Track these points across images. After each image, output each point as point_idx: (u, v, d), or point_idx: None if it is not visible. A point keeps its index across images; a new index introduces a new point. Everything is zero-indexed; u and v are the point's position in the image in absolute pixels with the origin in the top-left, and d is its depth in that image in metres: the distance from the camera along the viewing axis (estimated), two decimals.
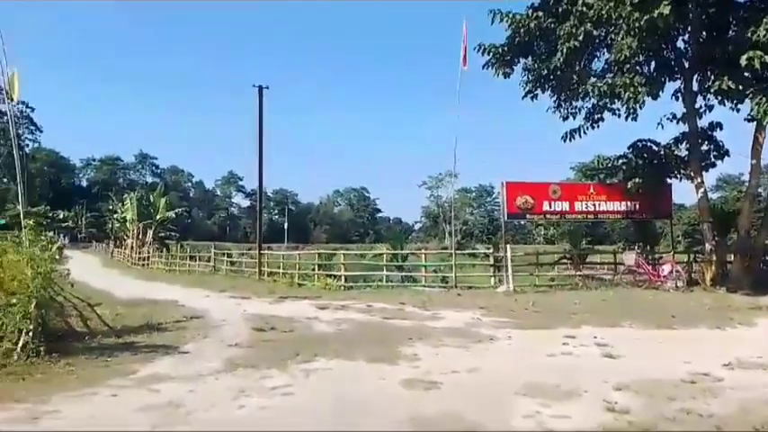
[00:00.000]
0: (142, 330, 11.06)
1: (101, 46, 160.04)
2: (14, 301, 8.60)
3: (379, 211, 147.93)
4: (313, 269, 23.37)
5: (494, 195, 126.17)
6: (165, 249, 43.79)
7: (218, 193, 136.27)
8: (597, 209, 20.57)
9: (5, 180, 79.20)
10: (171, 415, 5.92)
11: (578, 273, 20.79)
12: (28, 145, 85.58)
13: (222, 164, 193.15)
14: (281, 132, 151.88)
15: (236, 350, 9.33)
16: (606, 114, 19.08)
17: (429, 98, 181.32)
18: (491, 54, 19.04)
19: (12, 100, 13.34)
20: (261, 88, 27.18)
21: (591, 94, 17.57)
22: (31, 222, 9.52)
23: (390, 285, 20.13)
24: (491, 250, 20.52)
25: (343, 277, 20.88)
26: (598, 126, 19.47)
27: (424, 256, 22.18)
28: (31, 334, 8.43)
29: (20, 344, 8.29)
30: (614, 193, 20.69)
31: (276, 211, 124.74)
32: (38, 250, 9.12)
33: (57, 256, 9.73)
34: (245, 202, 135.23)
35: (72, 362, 8.22)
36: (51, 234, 10.93)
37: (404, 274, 21.77)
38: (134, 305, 15.14)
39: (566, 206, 20.27)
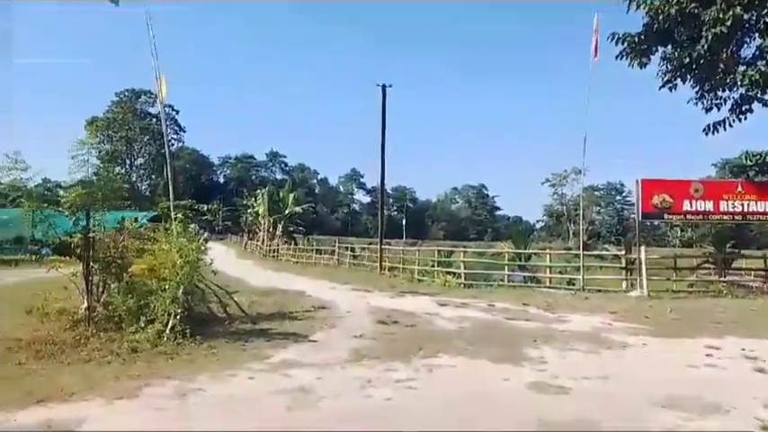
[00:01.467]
0: (274, 318, 11.75)
1: (233, 50, 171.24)
2: (165, 286, 9.48)
3: (497, 208, 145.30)
4: (432, 266, 23.44)
5: (624, 194, 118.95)
6: (292, 242, 46.12)
7: (341, 189, 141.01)
8: (746, 209, 18.66)
9: (154, 176, 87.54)
10: (302, 400, 6.22)
11: (722, 279, 19.01)
12: (173, 144, 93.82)
13: (345, 161, 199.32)
14: (401, 129, 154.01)
15: (361, 341, 9.61)
16: (755, 106, 17.23)
17: (553, 92, 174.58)
18: (626, 43, 17.90)
19: (161, 103, 14.72)
20: (384, 87, 27.73)
21: (739, 83, 15.97)
22: (180, 215, 10.45)
23: (512, 285, 19.68)
24: (623, 252, 19.28)
25: (462, 275, 20.73)
26: (745, 118, 17.65)
27: (548, 256, 21.42)
28: (178, 317, 9.24)
29: (169, 325, 9.11)
30: (766, 192, 18.66)
31: (395, 208, 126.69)
32: (185, 241, 9.98)
33: (202, 247, 10.60)
34: (366, 199, 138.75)
35: (213, 345, 8.91)
36: (195, 226, 11.94)
37: (526, 274, 21.17)
38: (266, 294, 16.09)
39: (709, 206, 18.60)
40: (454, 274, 21.35)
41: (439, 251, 24.88)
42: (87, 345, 8.57)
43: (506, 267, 20.92)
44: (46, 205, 9.64)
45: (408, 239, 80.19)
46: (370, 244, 41.92)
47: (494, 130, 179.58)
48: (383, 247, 27.57)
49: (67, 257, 10.55)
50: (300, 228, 56.52)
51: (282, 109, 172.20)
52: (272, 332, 10.23)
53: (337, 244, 35.06)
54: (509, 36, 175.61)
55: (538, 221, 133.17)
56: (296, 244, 44.95)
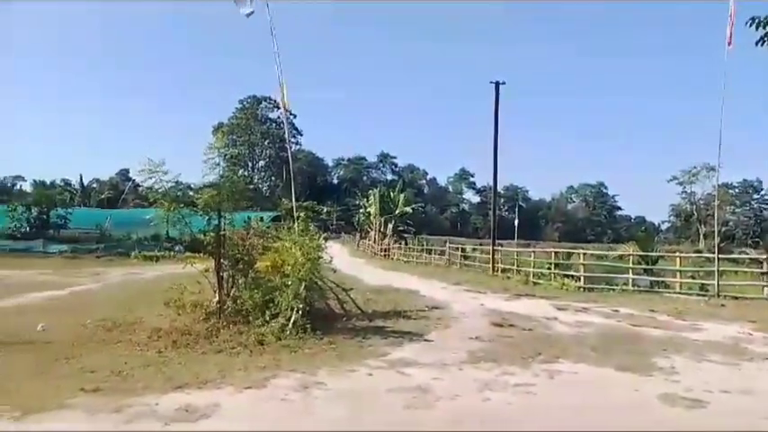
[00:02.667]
0: (389, 316, 11.93)
1: (344, 53, 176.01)
2: (288, 282, 9.94)
3: (618, 208, 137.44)
4: (548, 268, 22.64)
5: (762, 192, 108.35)
6: (402, 242, 46.64)
7: (450, 189, 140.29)
8: None
9: (273, 178, 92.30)
10: (420, 399, 6.26)
11: None
12: (291, 147, 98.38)
13: (455, 161, 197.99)
14: (513, 125, 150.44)
15: (477, 343, 9.49)
16: None
17: (682, 81, 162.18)
18: None
19: (285, 108, 15.43)
20: (497, 84, 27.23)
21: None
22: (302, 215, 10.92)
23: (636, 290, 18.53)
24: (763, 255, 17.49)
25: (582, 278, 19.84)
26: None
27: (678, 259, 19.92)
28: (300, 312, 9.65)
29: (291, 320, 9.54)
30: None
31: (506, 208, 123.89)
32: (307, 239, 10.41)
33: (322, 245, 11.01)
34: (476, 199, 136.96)
35: (333, 340, 9.20)
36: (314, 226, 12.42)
37: (653, 278, 19.84)
38: (380, 292, 16.38)
39: None
40: (572, 276, 20.49)
41: (556, 253, 23.97)
42: (218, 336, 9.19)
43: (631, 271, 19.73)
44: (182, 206, 10.44)
45: (521, 240, 78.18)
46: (481, 244, 41.37)
47: (613, 124, 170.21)
48: (495, 248, 27.08)
49: (198, 254, 11.39)
50: (410, 227, 56.98)
51: (392, 110, 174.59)
52: (387, 330, 10.39)
53: (448, 244, 34.94)
54: (628, 20, 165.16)
55: (663, 222, 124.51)
56: (406, 243, 45.41)
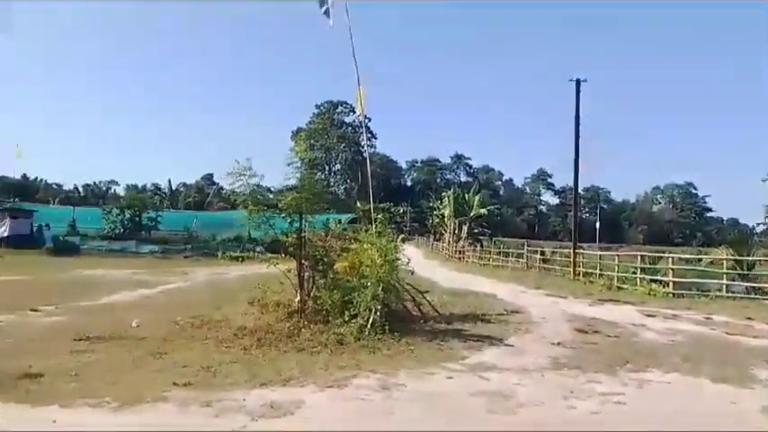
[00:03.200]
0: (467, 319, 11.80)
1: (419, 56, 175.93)
2: (366, 283, 10.04)
3: (708, 209, 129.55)
4: (634, 272, 21.64)
5: None
6: (478, 244, 46.05)
7: (527, 190, 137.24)
8: None
9: (349, 181, 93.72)
10: (502, 404, 6.14)
11: None
12: (367, 150, 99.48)
13: (532, 161, 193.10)
14: (594, 124, 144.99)
15: (560, 349, 9.21)
16: None
17: None
18: None
19: (362, 113, 15.63)
20: (578, 82, 26.35)
21: None
22: (380, 217, 11.01)
23: (731, 296, 17.39)
24: None
25: (670, 283, 18.83)
26: None
27: None
28: (378, 313, 9.72)
29: (370, 321, 9.62)
30: None
31: (587, 209, 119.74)
32: (384, 241, 10.48)
33: (399, 248, 11.05)
34: (554, 200, 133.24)
35: (411, 342, 9.20)
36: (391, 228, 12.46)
37: (749, 284, 18.55)
38: (456, 295, 16.24)
39: None
40: (660, 282, 19.49)
41: (642, 256, 22.86)
42: (300, 335, 9.41)
43: (725, 276, 18.53)
44: (265, 208, 10.79)
45: (602, 243, 75.38)
46: (559, 247, 40.15)
47: (702, 121, 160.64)
48: (577, 251, 26.20)
49: (279, 255, 11.72)
50: (485, 230, 56.17)
51: (467, 111, 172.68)
52: (466, 333, 10.28)
53: (526, 247, 34.16)
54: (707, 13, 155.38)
55: (758, 224, 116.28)
56: (481, 246, 44.76)
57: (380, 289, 9.93)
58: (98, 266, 25.25)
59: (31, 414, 5.52)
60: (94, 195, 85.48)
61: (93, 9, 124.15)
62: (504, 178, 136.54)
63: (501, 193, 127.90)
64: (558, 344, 9.63)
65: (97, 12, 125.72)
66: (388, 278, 10.33)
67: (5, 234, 34.00)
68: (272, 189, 12.42)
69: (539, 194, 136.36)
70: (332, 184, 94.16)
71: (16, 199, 49.83)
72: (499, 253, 37.38)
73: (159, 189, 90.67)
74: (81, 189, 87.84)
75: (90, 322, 10.70)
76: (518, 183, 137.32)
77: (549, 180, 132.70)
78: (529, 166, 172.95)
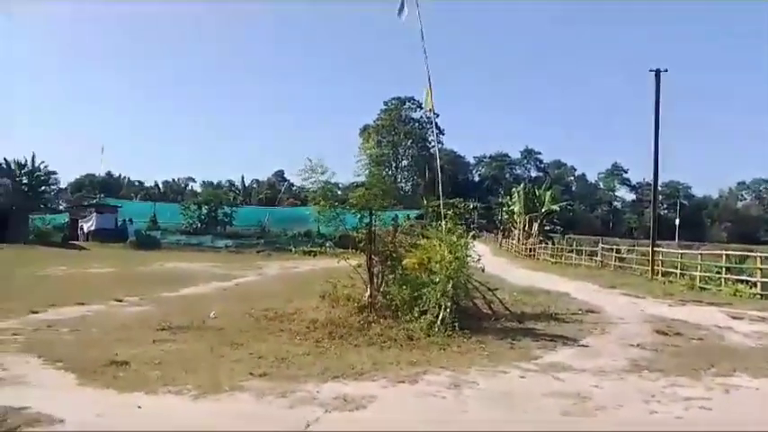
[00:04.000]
0: (540, 318, 11.55)
1: (485, 48, 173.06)
2: (436, 279, 10.01)
3: None
4: (718, 272, 20.48)
5: None
6: (549, 241, 44.95)
7: (601, 185, 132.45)
8: None
9: (416, 177, 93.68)
10: (579, 406, 5.95)
11: None
12: (433, 146, 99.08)
13: (606, 156, 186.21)
14: (674, 115, 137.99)
15: (639, 351, 8.84)
16: None
17: None
18: None
19: (431, 110, 15.58)
20: (658, 72, 25.14)
21: None
22: (449, 213, 10.94)
23: None
24: None
25: (758, 284, 17.70)
26: None
27: None
28: (448, 310, 9.66)
29: (440, 317, 9.58)
30: None
31: (665, 206, 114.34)
32: (454, 237, 10.40)
33: (469, 244, 10.94)
34: (629, 196, 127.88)
35: (481, 340, 9.10)
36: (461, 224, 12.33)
37: None
38: (527, 293, 15.92)
39: None
40: (747, 282, 18.36)
41: (727, 255, 21.59)
42: (370, 329, 9.48)
43: None
44: (336, 204, 10.97)
45: (682, 241, 71.78)
46: (636, 245, 38.55)
47: None
48: (655, 249, 25.06)
49: (348, 250, 11.86)
50: (557, 227, 54.76)
51: (537, 104, 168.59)
52: (538, 332, 10.06)
53: (600, 244, 33.01)
54: None
55: None
56: (553, 243, 43.63)
57: (450, 286, 9.86)
58: (177, 259, 26.48)
59: (118, 400, 5.82)
60: (173, 191, 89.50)
61: (167, 8, 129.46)
62: (576, 173, 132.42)
63: (573, 188, 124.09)
64: (637, 345, 9.24)
65: (171, 10, 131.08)
66: (458, 275, 10.24)
67: (92, 228, 36.30)
68: (339, 185, 12.57)
69: (613, 190, 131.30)
70: (399, 180, 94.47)
71: (102, 195, 53.04)
72: (572, 250, 36.31)
73: (233, 185, 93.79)
74: (161, 185, 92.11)
75: (171, 312, 11.23)
76: (591, 178, 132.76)
77: (625, 175, 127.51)
78: (603, 161, 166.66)
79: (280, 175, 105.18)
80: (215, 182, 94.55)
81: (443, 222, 11.16)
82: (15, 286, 15.21)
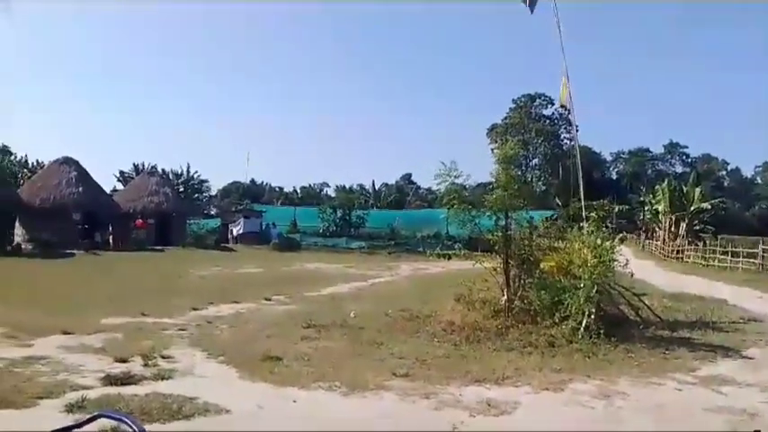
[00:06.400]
0: (694, 327, 10.66)
1: (619, 37, 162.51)
2: (578, 284, 9.60)
3: None
4: None
5: None
6: (699, 243, 41.27)
7: (759, 180, 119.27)
8: None
9: (547, 176, 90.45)
10: (747, 424, 5.43)
11: None
12: (565, 144, 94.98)
13: (762, 147, 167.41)
14: None
15: None
16: None
17: None
18: None
19: (567, 105, 15.00)
20: None
21: None
22: (593, 215, 10.45)
23: None
24: None
25: None
26: None
27: None
28: (592, 316, 9.23)
29: (583, 324, 9.17)
30: None
31: None
32: (599, 240, 9.91)
33: (616, 247, 10.37)
34: None
35: (630, 349, 8.59)
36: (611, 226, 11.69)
37: None
38: (678, 299, 14.75)
39: None
40: None
41: None
42: (508, 334, 9.33)
43: None
44: (470, 206, 10.90)
45: None
46: None
47: None
48: None
49: (479, 252, 11.73)
50: (708, 226, 50.08)
51: (680, 93, 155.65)
52: (694, 342, 9.30)
53: (761, 246, 29.69)
54: None
55: None
56: (704, 244, 39.99)
57: (594, 291, 9.41)
58: (316, 260, 27.82)
59: (276, 393, 6.26)
60: (310, 196, 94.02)
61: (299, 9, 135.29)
62: (728, 168, 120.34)
63: (725, 184, 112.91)
64: None
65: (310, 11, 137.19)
66: (603, 280, 9.75)
67: (240, 232, 39.23)
68: (467, 187, 12.48)
69: None
70: (530, 179, 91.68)
71: (248, 201, 57.36)
72: (726, 252, 33.06)
73: (364, 189, 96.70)
74: (299, 191, 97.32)
75: (315, 311, 11.84)
76: (746, 172, 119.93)
77: None
78: (760, 153, 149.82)
79: (407, 178, 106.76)
80: (347, 186, 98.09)
81: (584, 224, 10.67)
82: (178, 285, 16.87)
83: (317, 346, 8.57)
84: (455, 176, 10.88)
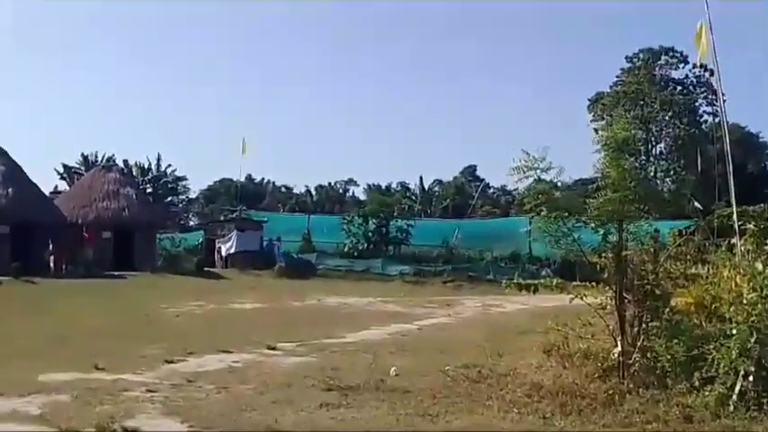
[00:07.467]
0: None
1: None
2: (729, 330, 9.37)
3: None
4: None
5: None
6: None
7: None
8: None
9: (680, 169, 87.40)
10: None
11: None
12: (706, 121, 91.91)
13: None
14: None
15: None
16: None
17: None
18: None
19: (699, 65, 14.76)
20: None
21: None
22: (751, 226, 10.18)
23: None
24: None
25: None
26: None
27: None
28: (750, 378, 8.98)
29: (737, 389, 8.95)
30: None
31: None
32: (760, 264, 9.65)
33: None
34: None
35: None
36: None
37: None
38: None
39: None
40: None
41: None
42: (623, 404, 9.17)
43: None
44: (567, 214, 10.66)
45: None
46: None
47: None
48: None
49: (578, 281, 11.57)
50: None
51: None
52: None
53: None
54: None
55: None
56: None
57: (754, 341, 9.16)
58: (339, 292, 28.03)
59: None
60: (329, 199, 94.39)
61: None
62: None
63: None
64: None
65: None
66: (767, 324, 9.50)
67: (232, 250, 39.52)
68: (559, 185, 12.33)
69: None
70: (655, 173, 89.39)
71: (242, 207, 56.75)
72: None
73: (408, 189, 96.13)
74: (314, 191, 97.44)
75: (338, 365, 11.93)
76: None
77: None
78: None
79: (471, 173, 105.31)
80: (383, 185, 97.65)
81: (737, 240, 10.44)
82: (146, 328, 17.21)
83: (342, 418, 8.61)
84: (543, 170, 10.73)
